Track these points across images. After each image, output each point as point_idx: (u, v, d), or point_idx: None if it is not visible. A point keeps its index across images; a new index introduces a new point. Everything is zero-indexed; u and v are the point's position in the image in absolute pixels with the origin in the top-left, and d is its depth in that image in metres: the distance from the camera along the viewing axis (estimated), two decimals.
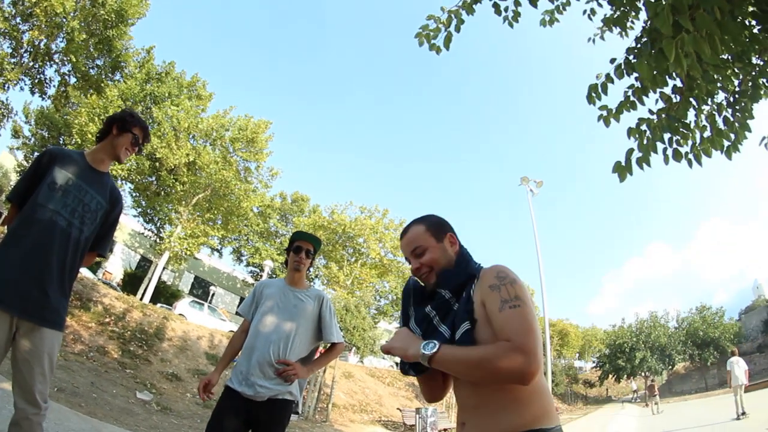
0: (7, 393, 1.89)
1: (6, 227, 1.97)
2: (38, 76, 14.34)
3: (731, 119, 2.91)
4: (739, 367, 11.66)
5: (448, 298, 1.36)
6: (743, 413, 11.00)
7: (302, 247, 2.53)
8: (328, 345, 2.57)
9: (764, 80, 2.81)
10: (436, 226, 1.45)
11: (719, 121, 2.92)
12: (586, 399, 41.88)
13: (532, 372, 1.09)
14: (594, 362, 46.02)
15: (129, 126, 2.15)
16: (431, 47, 3.22)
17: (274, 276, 28.22)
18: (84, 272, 15.03)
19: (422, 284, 1.46)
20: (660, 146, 2.77)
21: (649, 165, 2.71)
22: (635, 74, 2.76)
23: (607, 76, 2.81)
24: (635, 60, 2.69)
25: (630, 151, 2.68)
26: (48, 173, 1.96)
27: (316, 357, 2.53)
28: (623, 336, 37.30)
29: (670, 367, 37.26)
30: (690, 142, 2.89)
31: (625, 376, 37.36)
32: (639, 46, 2.84)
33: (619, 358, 36.10)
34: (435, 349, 1.21)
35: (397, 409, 13.47)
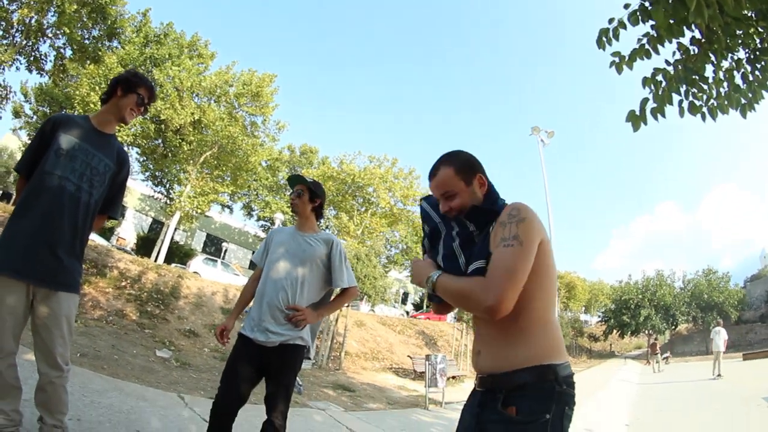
0: (32, 363, 1.97)
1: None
2: (33, 54, 14.11)
3: (750, 77, 2.80)
4: (719, 337, 13.19)
5: (471, 230, 1.39)
6: (719, 375, 12.80)
7: (294, 190, 2.54)
8: (339, 290, 2.56)
9: None
10: (466, 168, 1.42)
11: (737, 77, 2.81)
12: (590, 353, 42.79)
13: (493, 310, 1.14)
14: (599, 317, 46.70)
15: (134, 87, 2.11)
16: None
17: (283, 226, 28.57)
18: (98, 239, 15.33)
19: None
20: (676, 98, 2.72)
21: (663, 116, 2.67)
22: (651, 21, 2.63)
23: (620, 21, 2.67)
24: (651, 7, 2.56)
25: (645, 101, 2.64)
26: (54, 140, 1.95)
27: (329, 303, 2.54)
28: (629, 292, 37.49)
29: (673, 327, 37.64)
30: (705, 97, 2.81)
31: (629, 332, 37.87)
32: None
33: (624, 314, 36.46)
34: (434, 279, 1.32)
35: (408, 356, 13.90)
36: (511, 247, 1.19)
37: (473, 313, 1.29)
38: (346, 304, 2.82)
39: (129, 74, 2.16)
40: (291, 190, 2.58)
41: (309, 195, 2.53)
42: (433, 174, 1.45)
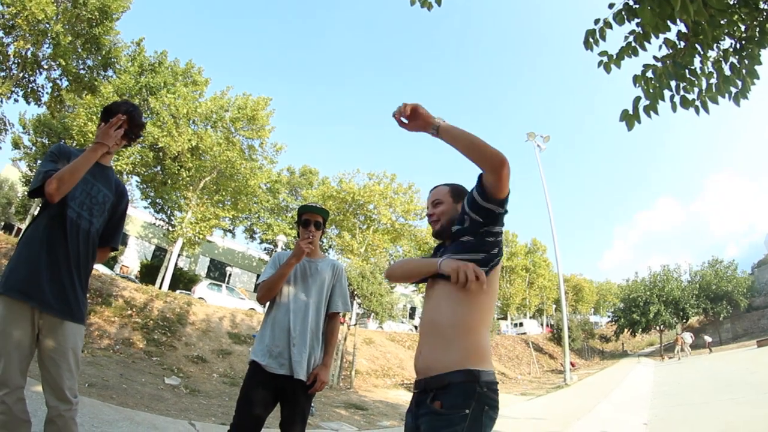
0: (41, 395, 1.96)
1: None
2: (30, 86, 14.27)
3: (738, 66, 2.82)
4: (685, 341, 24.41)
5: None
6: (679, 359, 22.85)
7: (310, 220, 2.55)
8: (326, 318, 2.53)
9: None
10: (457, 192, 1.77)
11: (725, 67, 2.83)
12: (602, 354, 42.32)
13: (505, 162, 1.39)
14: (609, 317, 46.15)
15: (110, 114, 2.12)
16: (423, 4, 3.10)
17: (288, 249, 28.57)
18: (101, 269, 15.36)
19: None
20: (667, 93, 2.72)
21: (656, 112, 2.68)
22: (636, 19, 2.67)
23: (606, 21, 2.71)
24: (637, 6, 2.59)
25: (637, 99, 2.65)
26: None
27: (328, 344, 2.51)
28: (637, 290, 36.97)
29: (684, 320, 36.95)
30: (696, 89, 2.82)
31: (640, 330, 37.32)
32: None
33: (634, 312, 35.87)
34: (440, 123, 1.48)
35: None
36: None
37: (481, 161, 1.41)
38: (338, 331, 2.80)
39: (109, 104, 2.19)
40: (301, 218, 2.56)
41: (324, 226, 2.60)
42: (433, 189, 1.86)
